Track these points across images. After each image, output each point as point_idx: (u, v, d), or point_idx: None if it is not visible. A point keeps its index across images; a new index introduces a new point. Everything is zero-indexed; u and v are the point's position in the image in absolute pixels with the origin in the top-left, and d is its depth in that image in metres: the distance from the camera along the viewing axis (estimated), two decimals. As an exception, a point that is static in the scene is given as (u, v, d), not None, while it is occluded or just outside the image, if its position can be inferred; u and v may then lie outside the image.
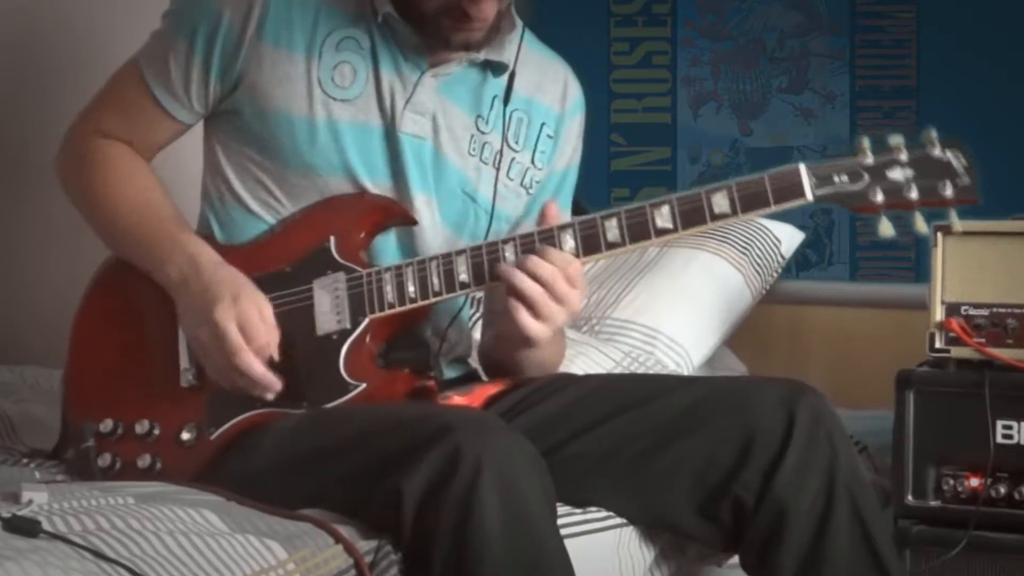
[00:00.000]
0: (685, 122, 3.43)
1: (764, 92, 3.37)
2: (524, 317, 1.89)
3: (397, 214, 2.02)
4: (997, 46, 3.14)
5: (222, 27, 2.01)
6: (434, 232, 2.05)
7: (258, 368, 1.92)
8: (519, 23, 2.10)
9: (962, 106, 3.10)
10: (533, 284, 1.88)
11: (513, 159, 2.10)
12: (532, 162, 2.12)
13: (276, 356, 1.93)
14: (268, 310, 1.94)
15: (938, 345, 2.35)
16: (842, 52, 3.31)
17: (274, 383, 1.93)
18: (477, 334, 2.71)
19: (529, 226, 2.06)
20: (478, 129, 2.07)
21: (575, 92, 2.18)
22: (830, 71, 3.32)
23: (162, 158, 2.15)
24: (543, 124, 2.13)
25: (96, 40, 2.14)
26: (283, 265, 1.99)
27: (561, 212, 2.13)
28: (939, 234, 2.35)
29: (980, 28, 3.15)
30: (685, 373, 2.72)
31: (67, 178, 2.12)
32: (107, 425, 1.99)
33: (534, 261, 1.89)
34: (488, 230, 2.05)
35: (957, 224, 1.91)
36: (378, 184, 2.03)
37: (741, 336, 3.02)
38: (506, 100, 2.06)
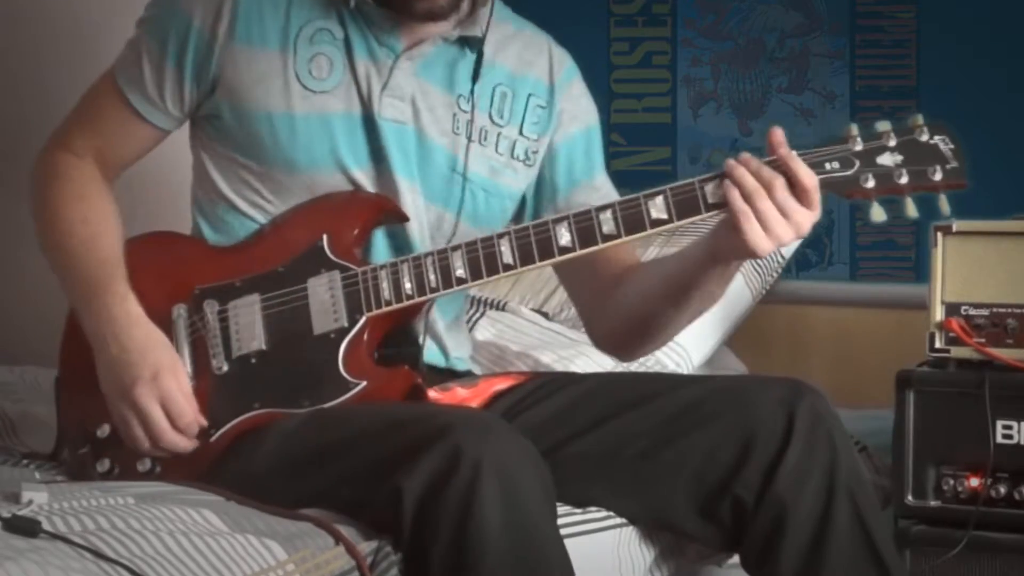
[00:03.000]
0: (685, 122, 3.43)
1: (764, 92, 3.37)
2: (751, 227, 1.83)
3: (389, 210, 2.02)
4: (997, 46, 3.13)
5: (192, 31, 2.01)
6: (418, 218, 2.04)
7: (184, 445, 1.93)
8: None
9: (962, 106, 3.10)
10: (759, 189, 1.83)
11: (500, 133, 2.09)
12: (521, 133, 2.11)
13: (204, 424, 1.94)
14: (185, 380, 1.94)
15: (938, 345, 2.35)
16: (842, 52, 3.31)
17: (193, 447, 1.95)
18: (478, 334, 2.72)
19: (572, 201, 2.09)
20: (459, 108, 2.07)
21: (564, 60, 2.18)
22: (830, 71, 3.32)
23: (159, 164, 2.16)
24: (530, 95, 2.12)
25: (98, 40, 2.14)
26: (276, 265, 1.98)
27: (595, 172, 2.17)
28: (939, 234, 2.35)
29: (980, 28, 3.15)
30: (685, 373, 2.72)
31: (32, 192, 2.12)
32: (104, 430, 1.99)
33: (757, 163, 1.85)
34: (461, 198, 2.06)
35: (947, 208, 1.90)
36: (362, 171, 2.03)
37: (741, 336, 3.02)
38: (475, 78, 2.06)
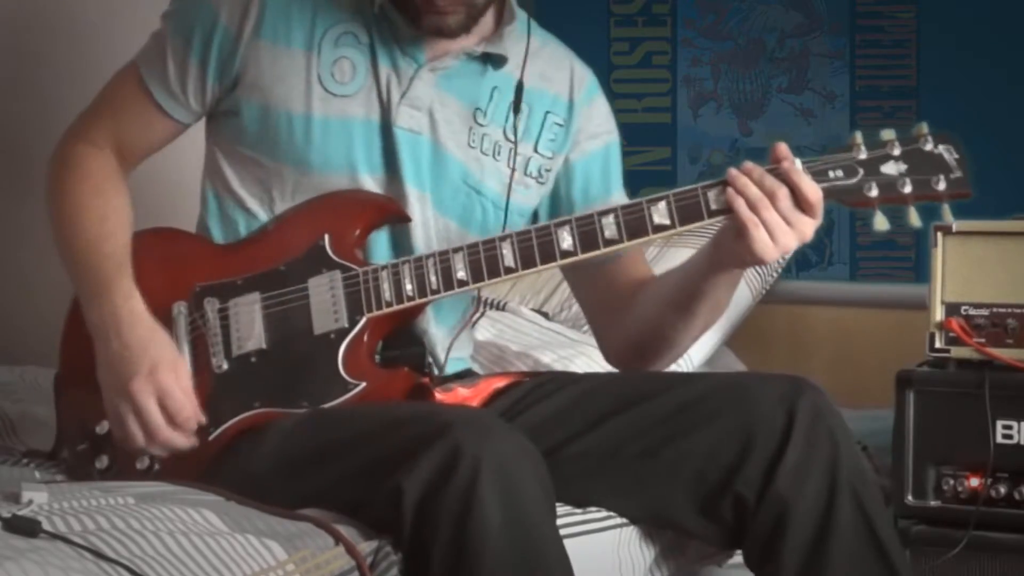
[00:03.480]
0: (685, 122, 3.43)
1: (764, 92, 3.37)
2: (758, 235, 1.85)
3: (391, 211, 2.02)
4: (997, 46, 3.14)
5: (219, 27, 2.01)
6: (425, 227, 2.04)
7: (180, 442, 1.93)
8: (520, 15, 2.10)
9: (962, 106, 3.10)
10: (764, 198, 1.85)
11: (512, 149, 2.09)
12: (536, 150, 2.11)
13: (203, 421, 1.93)
14: (186, 376, 1.94)
15: (938, 345, 2.35)
16: (842, 52, 3.31)
17: (191, 445, 1.94)
18: (478, 334, 2.72)
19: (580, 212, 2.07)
20: (476, 122, 2.07)
21: (585, 77, 2.17)
22: (830, 71, 3.32)
23: (164, 158, 2.15)
24: (548, 112, 2.12)
25: (99, 39, 2.14)
26: (277, 264, 1.98)
27: (612, 190, 2.16)
28: (939, 234, 2.35)
29: (980, 28, 3.15)
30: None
31: (49, 181, 2.12)
32: (103, 427, 1.98)
33: (760, 172, 1.86)
34: (504, 224, 2.06)
35: (950, 218, 1.91)
36: (374, 177, 2.03)
37: (741, 336, 3.02)
38: (516, 109, 2.06)
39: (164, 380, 1.92)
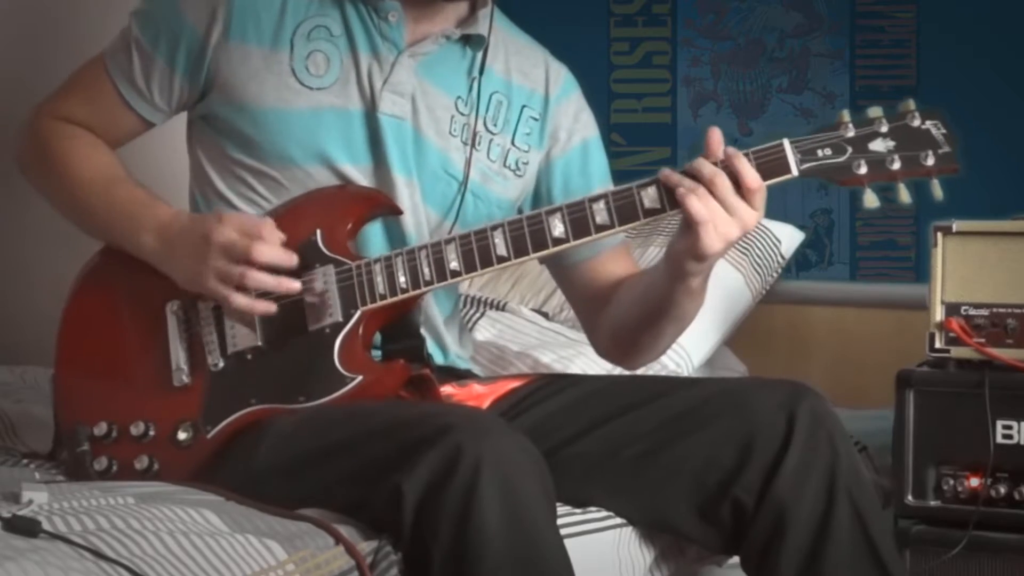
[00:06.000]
0: (685, 122, 3.43)
1: (764, 92, 3.37)
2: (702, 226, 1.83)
3: (382, 204, 2.02)
4: (997, 46, 3.14)
5: (185, 33, 2.03)
6: (415, 214, 2.05)
7: (277, 252, 1.91)
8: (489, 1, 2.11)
9: (962, 106, 3.08)
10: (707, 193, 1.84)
11: (492, 140, 2.10)
12: (513, 143, 2.12)
13: (283, 236, 1.93)
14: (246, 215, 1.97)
15: (938, 345, 2.35)
16: (842, 52, 3.31)
17: (292, 258, 1.92)
18: (478, 334, 2.72)
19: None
20: (458, 110, 2.07)
21: (560, 73, 2.19)
22: (830, 71, 3.32)
23: (156, 160, 2.15)
24: (524, 107, 2.13)
25: (100, 40, 2.14)
26: None
27: (595, 187, 2.15)
28: (939, 234, 2.35)
29: (980, 28, 3.15)
30: (685, 373, 2.72)
31: (28, 163, 2.13)
32: (101, 428, 1.98)
33: (700, 162, 1.85)
34: (460, 202, 2.06)
35: (939, 193, 1.89)
36: (359, 167, 2.03)
37: (741, 336, 3.02)
38: (480, 70, 2.07)
39: (233, 217, 1.93)
